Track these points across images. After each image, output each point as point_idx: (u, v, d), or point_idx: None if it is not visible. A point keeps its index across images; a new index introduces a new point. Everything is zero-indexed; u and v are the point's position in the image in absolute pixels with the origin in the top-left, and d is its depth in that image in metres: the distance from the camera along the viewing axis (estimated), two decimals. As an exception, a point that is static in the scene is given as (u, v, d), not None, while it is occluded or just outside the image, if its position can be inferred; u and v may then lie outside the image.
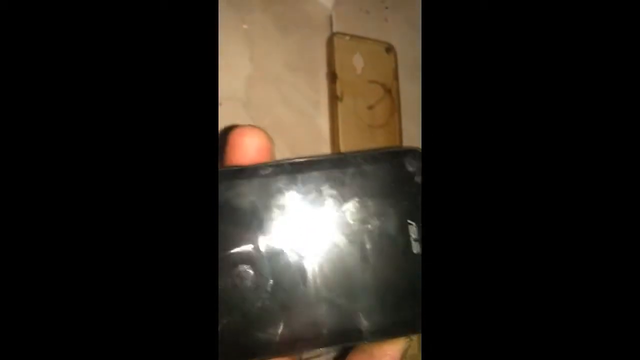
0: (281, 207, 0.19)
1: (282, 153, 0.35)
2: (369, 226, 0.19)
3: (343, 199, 0.19)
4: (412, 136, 0.41)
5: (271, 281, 0.18)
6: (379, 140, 0.37)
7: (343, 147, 0.35)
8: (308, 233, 0.19)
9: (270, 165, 0.19)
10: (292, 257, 0.19)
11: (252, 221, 0.19)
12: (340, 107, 0.36)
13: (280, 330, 0.18)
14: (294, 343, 0.18)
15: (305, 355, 0.20)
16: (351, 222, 0.19)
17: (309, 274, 0.19)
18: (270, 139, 0.20)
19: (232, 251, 0.18)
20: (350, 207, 0.19)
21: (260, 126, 0.34)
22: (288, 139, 0.36)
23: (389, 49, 0.39)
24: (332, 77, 0.36)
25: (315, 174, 0.19)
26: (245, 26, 0.35)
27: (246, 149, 0.19)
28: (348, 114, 0.36)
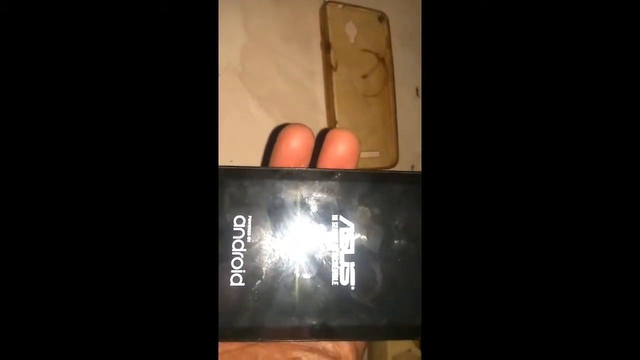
0: (325, 214, 0.19)
1: (278, 122, 0.36)
2: (416, 245, 0.19)
3: (390, 215, 0.19)
4: (406, 105, 0.41)
5: (308, 276, 0.19)
6: (373, 109, 0.38)
7: (338, 116, 0.36)
8: (351, 243, 0.19)
9: (316, 171, 0.19)
10: (331, 261, 0.19)
11: (294, 220, 0.19)
12: (335, 76, 0.36)
13: (307, 319, 0.19)
14: (319, 331, 0.19)
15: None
16: (398, 238, 0.19)
17: (351, 280, 0.19)
18: (312, 137, 0.20)
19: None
20: (398, 223, 0.19)
21: (256, 96, 0.35)
22: (284, 108, 0.36)
23: (382, 17, 0.39)
24: (326, 46, 0.36)
25: (364, 185, 0.19)
26: (238, -4, 0.35)
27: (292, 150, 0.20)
28: (343, 83, 0.36)
